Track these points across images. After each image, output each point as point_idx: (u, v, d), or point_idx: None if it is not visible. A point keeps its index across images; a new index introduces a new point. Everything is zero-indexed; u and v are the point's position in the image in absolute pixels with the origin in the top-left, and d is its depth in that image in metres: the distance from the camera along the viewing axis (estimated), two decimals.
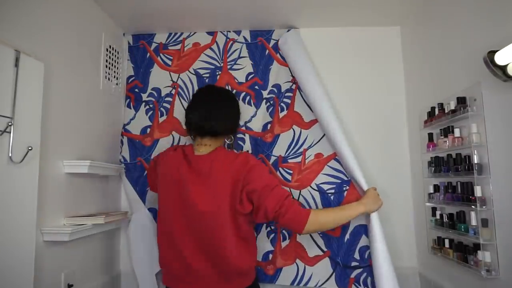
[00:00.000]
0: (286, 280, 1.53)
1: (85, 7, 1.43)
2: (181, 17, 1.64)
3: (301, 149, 1.63)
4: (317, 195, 1.57)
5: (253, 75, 1.71)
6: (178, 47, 1.77)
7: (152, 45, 1.78)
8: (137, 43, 1.79)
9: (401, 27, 1.71)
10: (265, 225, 1.58)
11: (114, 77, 1.65)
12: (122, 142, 1.70)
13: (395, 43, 1.71)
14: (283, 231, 1.57)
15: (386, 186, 1.54)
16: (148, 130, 1.71)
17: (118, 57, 1.69)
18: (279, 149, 1.62)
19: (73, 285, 1.25)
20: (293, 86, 1.68)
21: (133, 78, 1.76)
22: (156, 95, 1.74)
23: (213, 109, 1.30)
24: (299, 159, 1.62)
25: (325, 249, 1.53)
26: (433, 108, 1.37)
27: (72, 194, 1.31)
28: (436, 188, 1.34)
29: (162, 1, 1.48)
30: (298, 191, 1.57)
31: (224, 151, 1.31)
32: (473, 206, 1.10)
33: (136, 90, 1.75)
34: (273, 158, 1.62)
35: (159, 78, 1.75)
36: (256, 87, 1.70)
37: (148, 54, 1.77)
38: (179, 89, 1.73)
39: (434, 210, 1.37)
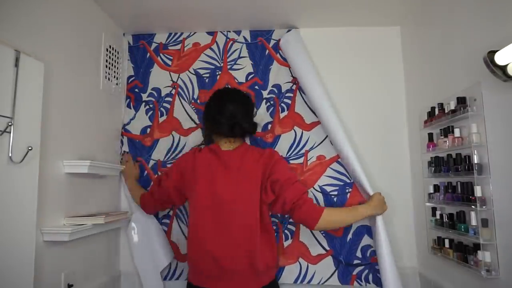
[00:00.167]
0: (289, 278, 1.55)
1: (85, 7, 1.43)
2: (181, 17, 1.64)
3: (303, 151, 1.63)
4: (320, 196, 1.59)
5: (253, 75, 1.72)
6: (178, 47, 1.77)
7: (152, 45, 1.78)
8: (137, 43, 1.79)
9: (401, 27, 1.71)
10: None
11: (114, 77, 1.65)
12: (122, 142, 1.70)
13: (395, 43, 1.71)
14: (285, 231, 1.58)
15: (386, 186, 1.54)
16: (148, 130, 1.71)
17: (118, 57, 1.69)
18: (280, 150, 1.62)
19: (73, 285, 1.25)
20: (294, 87, 1.68)
21: (133, 78, 1.76)
22: (156, 95, 1.74)
23: (242, 111, 1.39)
24: (301, 160, 1.63)
25: (328, 248, 1.56)
26: (433, 108, 1.37)
27: (72, 194, 1.31)
28: (436, 188, 1.34)
29: (162, 1, 1.48)
30: None
31: (251, 147, 1.44)
32: (473, 206, 1.10)
33: (136, 90, 1.75)
34: None
35: (159, 78, 1.75)
36: (256, 87, 1.70)
37: (148, 54, 1.77)
38: (179, 89, 1.73)
39: (434, 210, 1.37)
